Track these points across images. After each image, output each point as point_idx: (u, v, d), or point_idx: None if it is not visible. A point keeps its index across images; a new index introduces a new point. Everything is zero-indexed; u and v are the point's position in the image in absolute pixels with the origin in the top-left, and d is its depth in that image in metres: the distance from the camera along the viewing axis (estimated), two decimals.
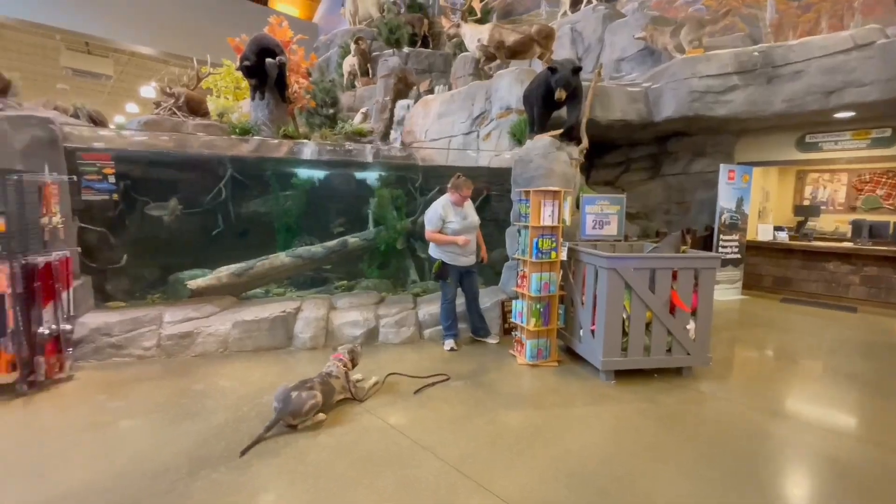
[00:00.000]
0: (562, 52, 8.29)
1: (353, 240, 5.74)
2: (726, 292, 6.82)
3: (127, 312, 4.14)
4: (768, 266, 7.14)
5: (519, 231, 4.18)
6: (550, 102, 4.95)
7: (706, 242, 6.97)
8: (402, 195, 6.03)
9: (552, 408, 3.21)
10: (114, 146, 4.36)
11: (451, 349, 4.32)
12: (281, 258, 5.32)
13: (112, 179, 4.30)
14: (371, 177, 6.12)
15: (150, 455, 2.52)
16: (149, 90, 13.98)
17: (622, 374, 3.70)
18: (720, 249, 6.66)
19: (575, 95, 4.92)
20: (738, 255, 6.85)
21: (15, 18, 10.64)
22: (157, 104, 6.17)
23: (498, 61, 7.37)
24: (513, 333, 4.34)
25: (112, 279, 4.64)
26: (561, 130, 5.16)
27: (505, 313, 4.82)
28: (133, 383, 3.48)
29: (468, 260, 4.33)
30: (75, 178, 4.02)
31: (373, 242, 5.89)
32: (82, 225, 4.29)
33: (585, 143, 5.48)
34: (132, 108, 16.57)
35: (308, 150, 5.32)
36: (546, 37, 6.91)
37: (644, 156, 7.86)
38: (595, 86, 5.88)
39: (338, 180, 6.09)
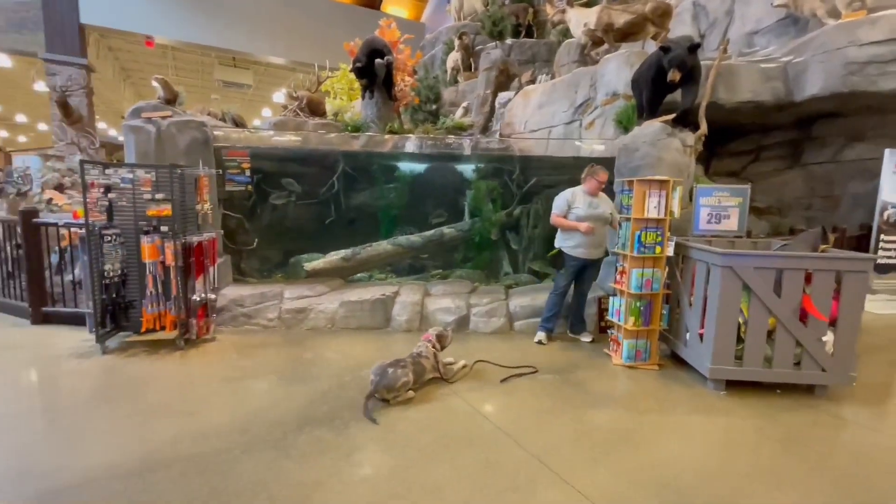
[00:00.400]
0: (681, 29, 7.51)
1: (448, 230, 5.92)
2: (888, 305, 5.64)
3: (257, 287, 4.80)
4: None
5: (620, 224, 3.94)
6: (662, 85, 4.55)
7: (860, 244, 5.82)
8: (498, 187, 6.05)
9: (647, 413, 3.00)
10: (250, 144, 5.07)
11: (539, 342, 4.25)
12: (383, 246, 5.71)
13: (248, 173, 5.00)
14: (468, 169, 6.24)
15: (268, 408, 2.93)
16: (279, 96, 15.86)
17: (735, 386, 3.30)
18: (880, 252, 5.53)
19: (691, 76, 4.46)
20: None
21: (182, 41, 12.84)
22: (284, 107, 6.99)
23: (605, 46, 6.95)
24: (609, 332, 4.12)
25: (246, 259, 5.42)
26: (673, 115, 4.71)
27: (602, 310, 4.59)
28: (258, 348, 4.04)
29: (589, 252, 4.16)
30: (221, 171, 4.76)
31: (468, 233, 6.02)
32: (225, 212, 5.07)
33: (704, 128, 4.94)
34: (266, 112, 18.97)
35: (410, 144, 5.61)
36: (662, 14, 6.33)
37: (780, 142, 6.79)
38: (719, 64, 5.25)
39: (437, 173, 6.32)
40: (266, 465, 2.32)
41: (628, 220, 3.73)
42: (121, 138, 5.04)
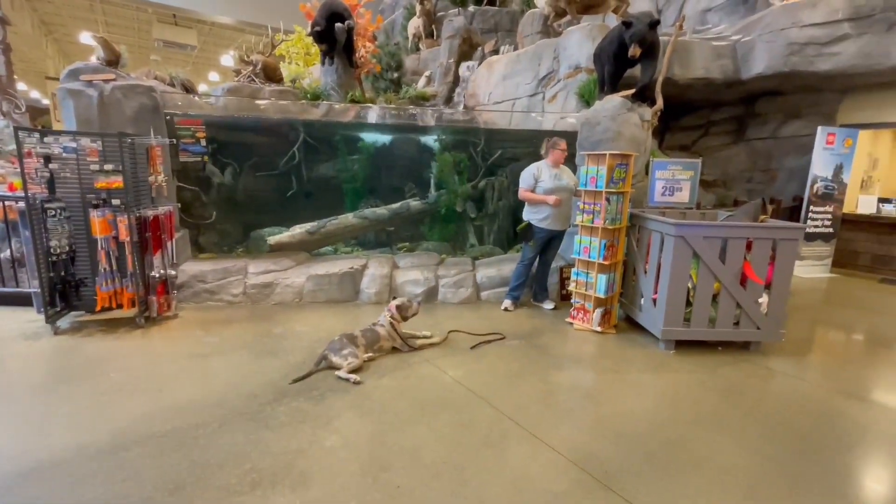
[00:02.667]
0: (640, 4, 7.65)
1: (414, 203, 5.92)
2: (813, 269, 6.27)
3: (218, 263, 4.65)
4: (867, 242, 6.41)
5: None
6: (623, 60, 4.66)
7: (793, 214, 6.38)
8: (465, 159, 6.07)
9: (606, 372, 3.25)
10: (203, 112, 4.79)
11: (506, 309, 4.44)
12: (349, 218, 5.64)
13: (203, 143, 4.74)
14: (433, 141, 6.20)
15: (241, 382, 2.92)
16: (228, 59, 14.83)
17: (683, 346, 3.62)
18: (808, 222, 6.08)
19: (651, 52, 4.60)
20: (830, 230, 6.21)
21: None
22: (237, 72, 6.58)
23: (568, 17, 6.98)
24: (572, 301, 4.33)
25: (204, 233, 5.21)
26: (633, 91, 4.87)
27: (563, 279, 4.82)
28: (224, 323, 3.97)
29: (556, 224, 4.33)
30: (175, 140, 4.48)
31: (434, 206, 6.05)
32: (179, 184, 4.81)
33: (660, 103, 5.13)
34: (214, 76, 17.72)
35: (373, 114, 5.49)
36: None
37: (727, 118, 7.20)
38: (675, 40, 5.43)
39: (401, 145, 6.24)
40: (245, 437, 2.35)
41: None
42: (44, 101, 4.60)
